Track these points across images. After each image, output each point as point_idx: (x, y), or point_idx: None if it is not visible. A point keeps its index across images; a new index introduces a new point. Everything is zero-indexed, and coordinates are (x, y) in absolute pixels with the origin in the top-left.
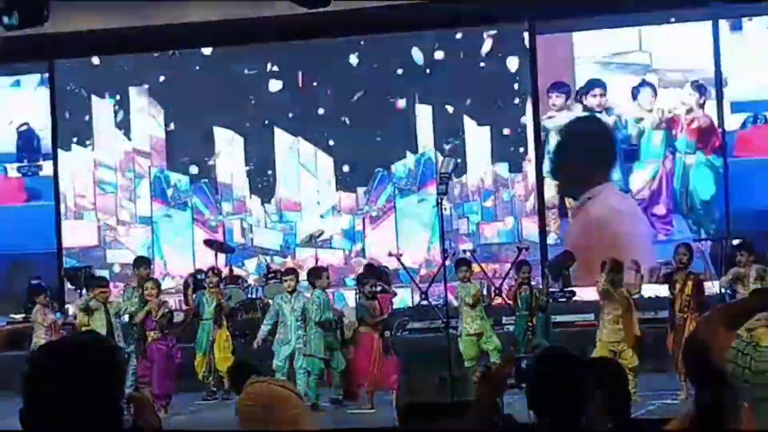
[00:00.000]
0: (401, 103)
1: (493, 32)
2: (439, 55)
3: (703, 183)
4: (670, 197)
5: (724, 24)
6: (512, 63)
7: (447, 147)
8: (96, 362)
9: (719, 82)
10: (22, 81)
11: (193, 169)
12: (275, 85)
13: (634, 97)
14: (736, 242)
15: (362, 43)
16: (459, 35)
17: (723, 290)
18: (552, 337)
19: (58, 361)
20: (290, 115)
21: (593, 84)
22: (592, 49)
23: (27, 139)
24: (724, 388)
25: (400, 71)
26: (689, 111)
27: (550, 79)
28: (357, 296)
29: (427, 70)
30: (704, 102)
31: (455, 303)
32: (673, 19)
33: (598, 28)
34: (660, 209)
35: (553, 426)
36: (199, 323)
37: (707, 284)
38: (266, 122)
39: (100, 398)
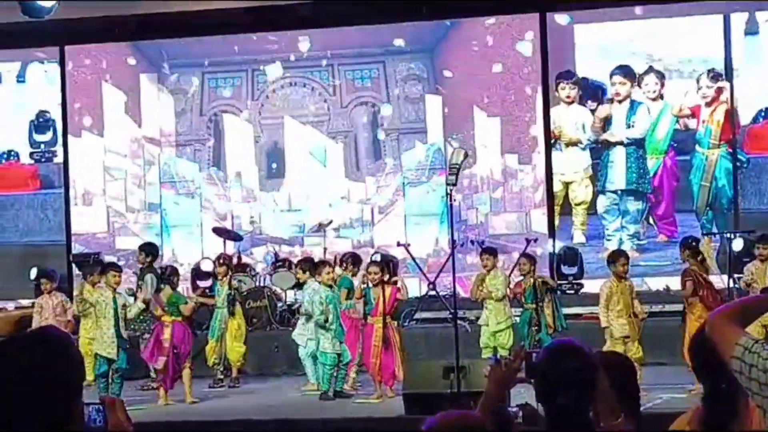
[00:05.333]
0: (411, 92)
1: (503, 21)
2: (449, 44)
3: (724, 179)
4: (673, 195)
5: (735, 16)
6: (523, 53)
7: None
8: (50, 359)
9: (730, 74)
10: (33, 67)
11: (203, 157)
12: (286, 74)
13: (639, 84)
14: (739, 238)
15: (370, 31)
16: (469, 24)
17: (732, 285)
18: (564, 328)
19: (10, 358)
20: (300, 103)
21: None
22: (596, 38)
23: (40, 125)
24: (730, 385)
25: (408, 60)
26: (709, 103)
27: (556, 68)
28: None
29: (438, 60)
30: (721, 93)
31: (463, 294)
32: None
33: (606, 20)
34: (661, 209)
35: (561, 419)
36: (213, 311)
37: (715, 279)
38: (276, 111)
39: (53, 395)
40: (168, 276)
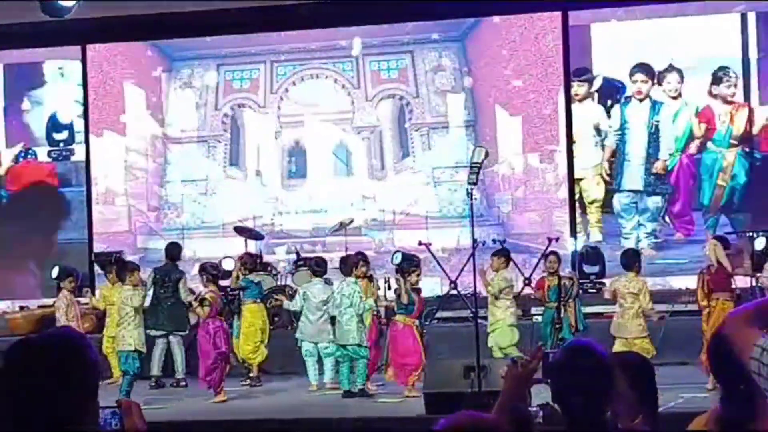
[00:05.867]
0: (441, 84)
1: (524, 20)
2: (470, 43)
3: (740, 178)
4: (690, 193)
5: (752, 14)
6: (544, 51)
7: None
8: (63, 360)
9: (747, 73)
10: (51, 65)
11: (223, 154)
12: (308, 72)
13: (660, 83)
14: (761, 237)
15: (389, 31)
16: (489, 23)
17: (754, 285)
18: (584, 328)
19: (28, 359)
20: (322, 102)
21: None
22: (613, 37)
23: (59, 124)
24: (748, 386)
25: (432, 59)
26: (728, 101)
27: (575, 66)
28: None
29: (459, 59)
30: (742, 92)
31: (483, 293)
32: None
33: (624, 18)
34: (677, 206)
35: (578, 420)
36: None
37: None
38: (296, 106)
39: (66, 396)
40: (219, 275)
